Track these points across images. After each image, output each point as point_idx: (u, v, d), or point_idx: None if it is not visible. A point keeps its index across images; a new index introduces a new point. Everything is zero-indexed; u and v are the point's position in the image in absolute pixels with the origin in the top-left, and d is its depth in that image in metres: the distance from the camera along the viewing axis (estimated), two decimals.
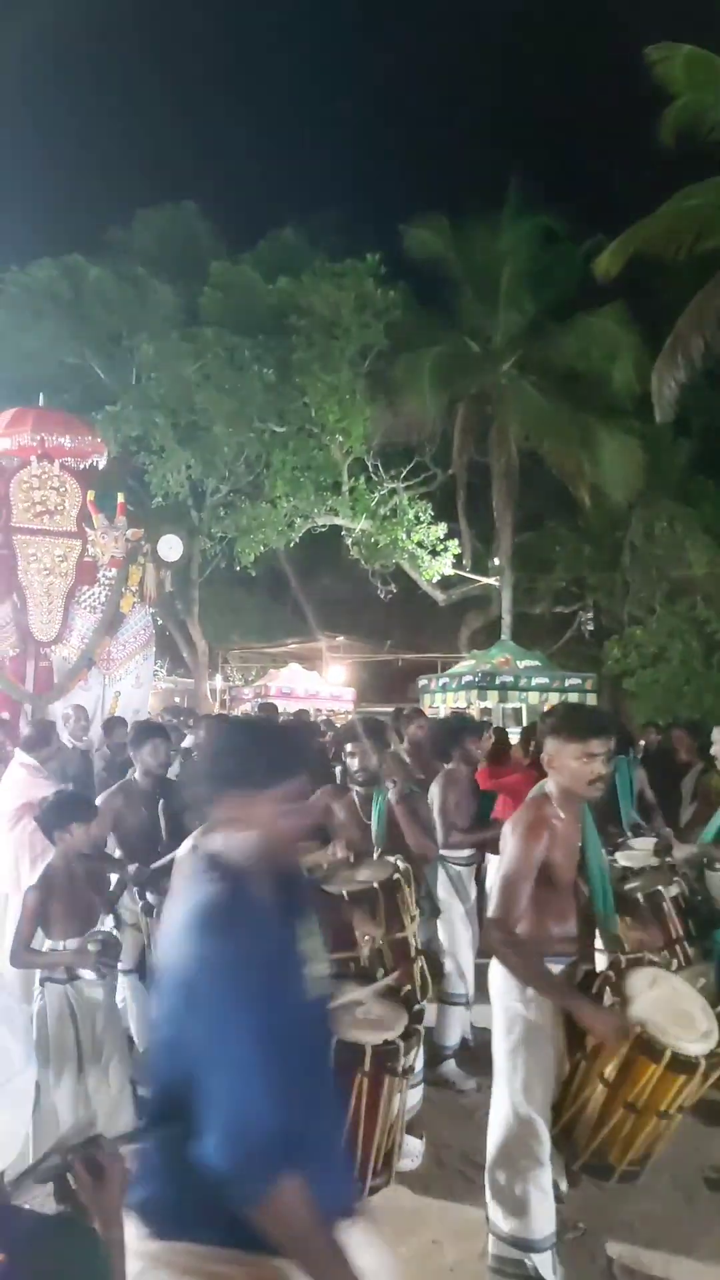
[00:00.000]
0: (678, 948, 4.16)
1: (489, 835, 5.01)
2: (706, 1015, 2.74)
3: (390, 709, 17.83)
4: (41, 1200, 2.50)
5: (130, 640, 10.71)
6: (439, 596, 21.01)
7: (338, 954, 3.07)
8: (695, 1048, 2.64)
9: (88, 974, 3.57)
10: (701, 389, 15.98)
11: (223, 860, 1.77)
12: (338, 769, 5.29)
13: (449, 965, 4.89)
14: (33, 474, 10.23)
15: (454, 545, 19.79)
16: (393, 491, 19.57)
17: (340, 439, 18.56)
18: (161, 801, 4.88)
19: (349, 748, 4.20)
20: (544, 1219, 2.93)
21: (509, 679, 15.20)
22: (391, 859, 3.85)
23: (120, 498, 11.00)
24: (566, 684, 15.41)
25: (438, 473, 20.62)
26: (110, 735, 8.20)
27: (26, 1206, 1.35)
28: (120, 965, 4.11)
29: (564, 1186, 3.11)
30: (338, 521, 19.69)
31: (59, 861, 3.69)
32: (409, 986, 3.01)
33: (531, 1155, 2.91)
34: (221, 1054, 1.59)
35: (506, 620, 19.42)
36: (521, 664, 15.81)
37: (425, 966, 3.81)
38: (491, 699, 15.24)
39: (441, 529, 19.54)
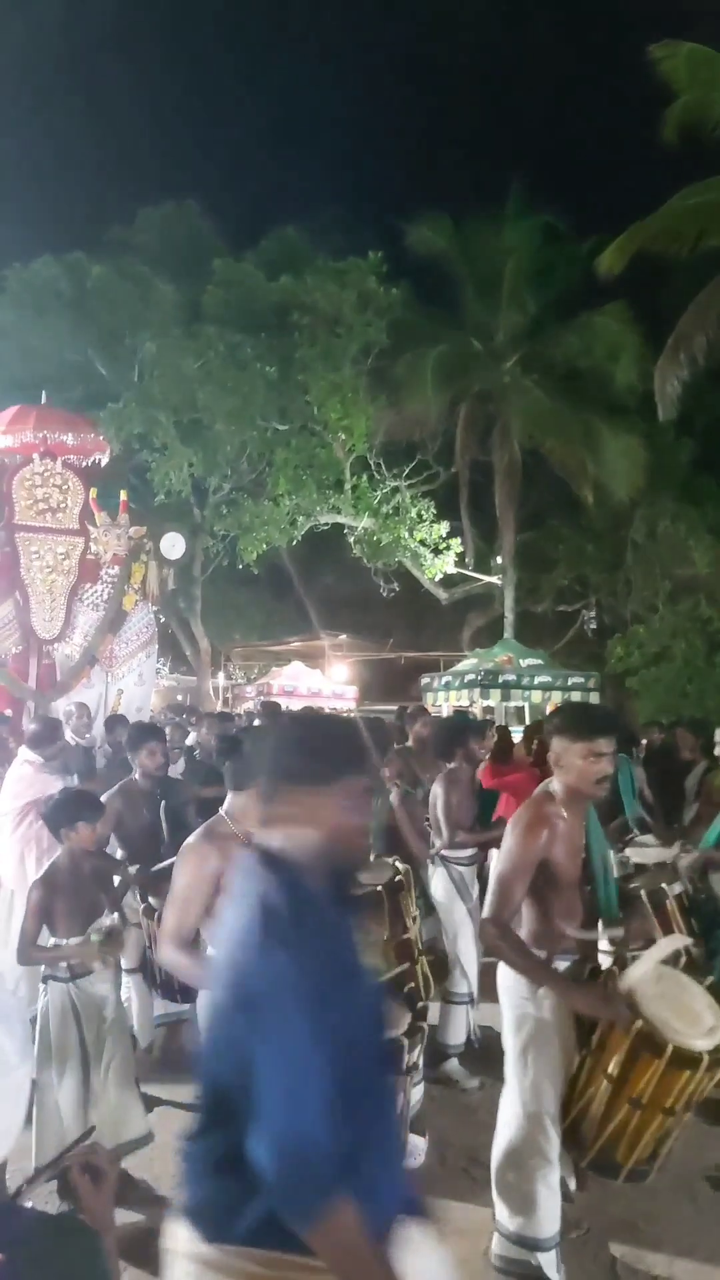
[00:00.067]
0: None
1: (493, 835, 5.01)
2: (713, 1012, 2.74)
3: (392, 707, 17.85)
4: (43, 1200, 2.50)
5: (133, 638, 10.71)
6: (441, 595, 21.01)
7: None
8: (699, 1044, 2.63)
9: (95, 968, 3.56)
10: (704, 387, 15.96)
11: (282, 858, 1.74)
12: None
13: (452, 964, 4.89)
14: (35, 471, 10.23)
15: (456, 543, 19.78)
16: (395, 489, 19.57)
17: (343, 437, 18.55)
18: (163, 801, 4.89)
19: None
20: (550, 1218, 2.93)
21: (511, 677, 15.19)
22: (390, 860, 3.84)
23: (123, 495, 10.99)
24: (569, 683, 15.40)
25: (440, 471, 20.62)
26: (112, 733, 8.21)
27: (27, 1206, 1.34)
28: (124, 964, 4.11)
29: (573, 1185, 3.11)
30: (340, 519, 19.69)
31: (64, 859, 3.69)
32: (412, 984, 3.00)
33: (540, 1154, 2.91)
34: (276, 1066, 1.53)
35: (509, 619, 19.42)
36: (524, 662, 15.79)
37: (426, 966, 3.81)
38: (494, 698, 15.23)
39: (444, 527, 19.53)
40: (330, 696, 20.80)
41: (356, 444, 18.66)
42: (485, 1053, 4.48)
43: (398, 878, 3.65)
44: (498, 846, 4.65)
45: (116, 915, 3.70)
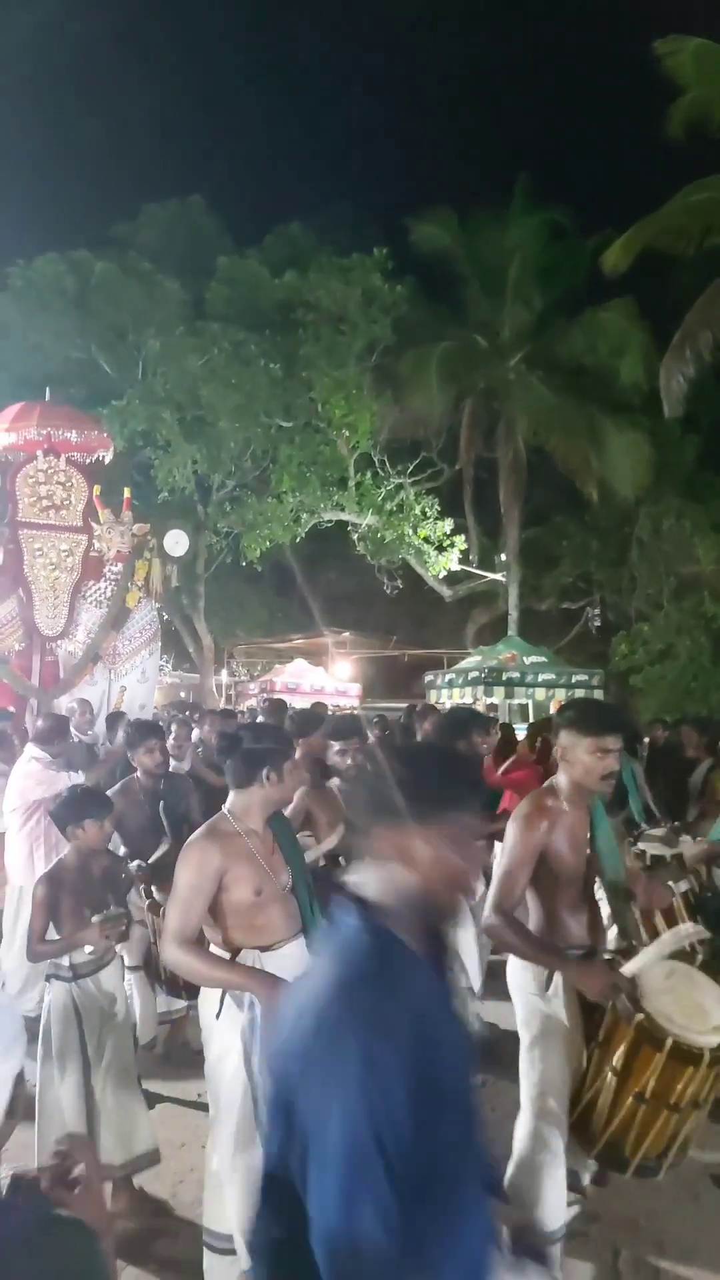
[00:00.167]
0: (686, 945, 4.14)
1: (495, 827, 4.99)
2: None
3: (396, 705, 17.84)
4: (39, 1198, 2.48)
5: (136, 635, 10.71)
6: (445, 592, 20.99)
7: None
8: (701, 1039, 2.62)
9: (97, 955, 3.55)
10: (710, 384, 15.94)
11: (371, 902, 1.57)
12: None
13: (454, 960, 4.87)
14: (39, 469, 10.23)
15: (460, 541, 19.76)
16: (399, 487, 19.55)
17: (347, 434, 18.54)
18: (164, 799, 4.88)
19: (339, 745, 4.12)
20: (555, 1212, 2.92)
21: (515, 675, 15.18)
22: None
23: (126, 493, 10.99)
24: (573, 680, 15.40)
25: (444, 468, 20.61)
26: (112, 730, 8.20)
27: (22, 1203, 1.32)
28: (126, 961, 4.10)
29: (585, 1180, 3.10)
30: (344, 517, 19.68)
31: (72, 857, 3.68)
32: None
33: (547, 1148, 2.91)
34: (334, 1154, 1.35)
35: (513, 616, 19.42)
36: (528, 660, 15.79)
37: None
38: (498, 695, 15.22)
39: (448, 524, 19.52)
40: (333, 694, 20.79)
41: (360, 441, 18.65)
42: (489, 1049, 4.46)
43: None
44: (499, 838, 4.64)
45: (122, 911, 3.68)
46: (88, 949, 3.51)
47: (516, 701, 15.78)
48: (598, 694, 15.17)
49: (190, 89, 42.96)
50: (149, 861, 4.46)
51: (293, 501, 18.86)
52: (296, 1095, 1.42)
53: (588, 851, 3.10)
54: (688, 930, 2.99)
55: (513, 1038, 3.12)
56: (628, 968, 2.76)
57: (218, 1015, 2.82)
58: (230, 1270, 2.78)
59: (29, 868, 5.35)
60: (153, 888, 4.21)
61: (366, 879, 1.60)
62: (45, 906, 3.55)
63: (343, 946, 1.53)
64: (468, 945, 4.93)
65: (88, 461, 10.66)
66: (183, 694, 24.17)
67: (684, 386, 14.56)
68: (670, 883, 4.28)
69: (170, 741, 6.73)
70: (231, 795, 3.03)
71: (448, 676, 16.43)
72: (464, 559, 20.15)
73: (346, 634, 24.98)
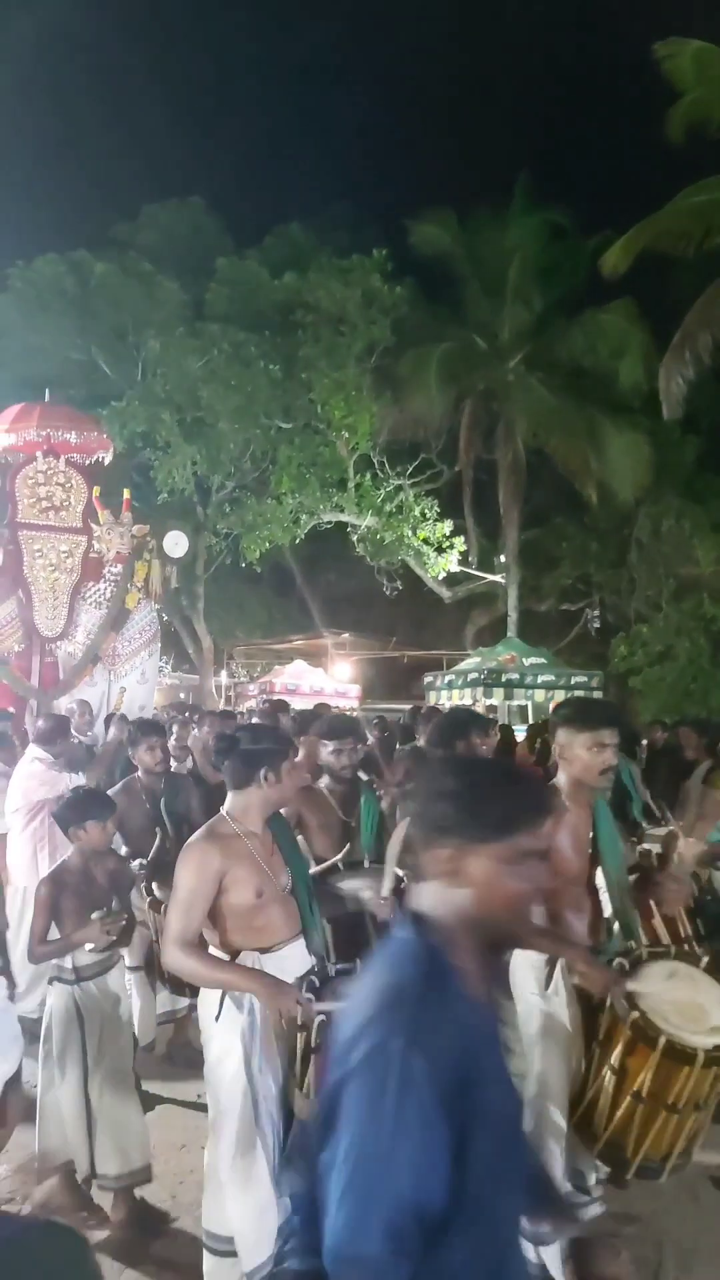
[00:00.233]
0: (686, 947, 4.14)
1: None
2: None
3: (395, 706, 17.83)
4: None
5: (135, 636, 10.71)
6: (445, 593, 20.99)
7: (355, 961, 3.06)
8: (695, 1039, 2.62)
9: (98, 953, 3.54)
10: (709, 386, 15.95)
11: (425, 921, 1.52)
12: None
13: None
14: (38, 470, 10.23)
15: (460, 542, 19.76)
16: (399, 488, 19.55)
17: (346, 435, 18.54)
18: (164, 798, 4.88)
19: (332, 744, 4.09)
20: None
21: (515, 676, 15.18)
22: (397, 871, 3.79)
23: (126, 494, 10.99)
24: (572, 682, 15.39)
25: (444, 469, 20.61)
26: (112, 728, 8.20)
27: (8, 1209, 1.31)
28: (127, 961, 4.10)
29: (592, 1180, 3.10)
30: (343, 518, 19.68)
31: (75, 858, 3.67)
32: None
33: (545, 1148, 2.91)
34: (353, 1168, 1.32)
35: (512, 617, 19.42)
36: (527, 661, 15.79)
37: None
38: (497, 696, 15.22)
39: (447, 525, 19.51)
40: (333, 695, 20.77)
41: (360, 442, 18.66)
42: None
43: (402, 884, 3.63)
44: None
45: (121, 910, 3.67)
46: (89, 947, 3.50)
47: (516, 703, 15.78)
48: (597, 695, 15.16)
49: (190, 90, 42.99)
50: (149, 858, 4.47)
51: (292, 503, 18.85)
52: (333, 1106, 1.39)
53: (589, 850, 3.12)
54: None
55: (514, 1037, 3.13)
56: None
57: (217, 1017, 2.82)
58: (231, 1272, 2.78)
59: (32, 869, 5.35)
60: (153, 885, 4.20)
61: (424, 897, 1.56)
62: (47, 907, 3.54)
63: (391, 962, 1.50)
64: None
65: (87, 463, 10.67)
66: (182, 695, 24.13)
67: (683, 388, 14.56)
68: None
69: (172, 741, 6.74)
70: (230, 796, 3.03)
71: (447, 678, 16.43)
72: (463, 560, 20.15)
73: (346, 635, 24.94)
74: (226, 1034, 2.79)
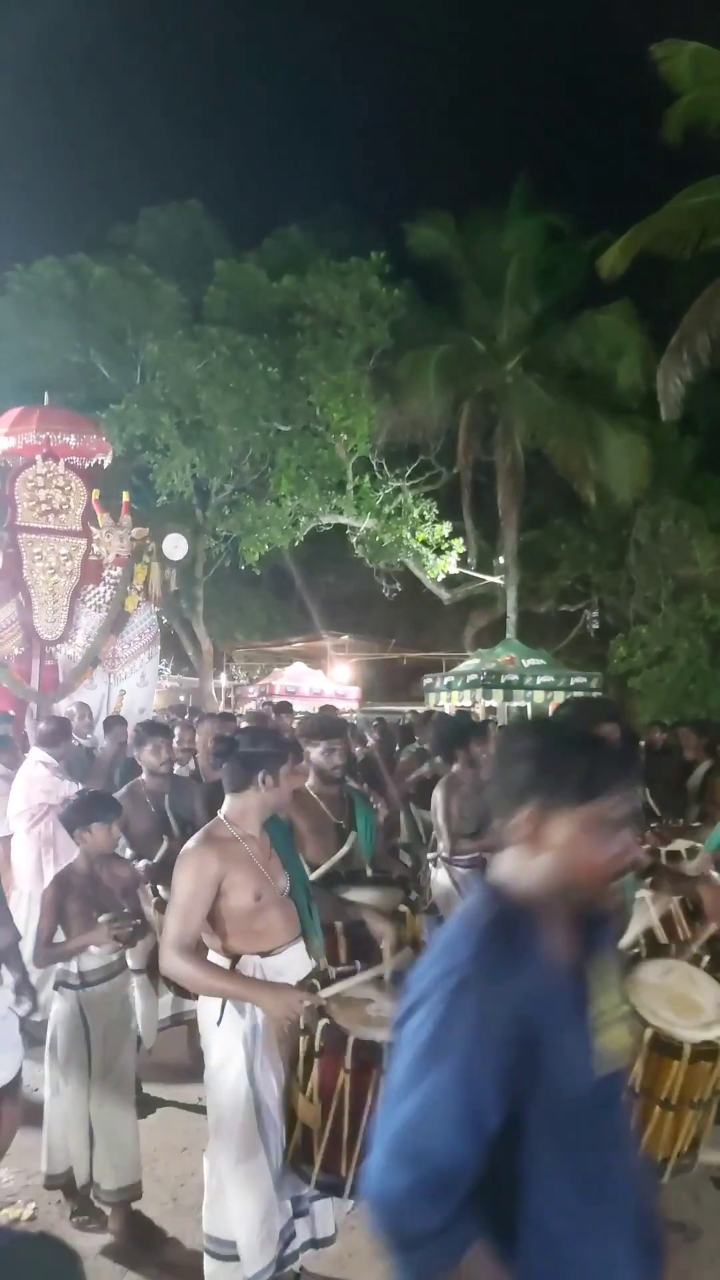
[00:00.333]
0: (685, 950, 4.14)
1: (488, 845, 4.99)
2: (718, 1010, 2.72)
3: (395, 708, 17.81)
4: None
5: (135, 639, 10.70)
6: (444, 595, 21.00)
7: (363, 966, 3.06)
8: (682, 1033, 2.61)
9: (104, 950, 3.53)
10: (707, 386, 15.95)
11: (506, 889, 1.48)
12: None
13: None
14: (38, 473, 10.23)
15: (459, 544, 19.77)
16: (397, 490, 19.56)
17: (345, 437, 18.55)
18: (169, 799, 4.88)
19: (323, 744, 4.07)
20: None
21: (514, 678, 15.17)
22: (399, 892, 3.78)
23: (125, 496, 10.98)
24: (572, 683, 15.39)
25: (442, 471, 20.61)
26: (111, 734, 8.19)
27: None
28: (130, 964, 4.10)
29: None
30: (342, 520, 19.69)
31: (80, 861, 3.66)
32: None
33: None
34: (406, 1113, 1.32)
35: (511, 619, 19.41)
36: (526, 663, 15.78)
37: None
38: (496, 698, 15.21)
39: (446, 527, 19.53)
40: (333, 697, 20.79)
41: (359, 444, 18.67)
42: None
43: (401, 907, 3.62)
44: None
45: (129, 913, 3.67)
46: (94, 949, 3.49)
47: (515, 704, 15.78)
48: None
49: (189, 91, 43.02)
50: (155, 860, 4.47)
51: (291, 505, 18.86)
52: (398, 1064, 1.38)
53: None
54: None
55: None
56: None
57: (219, 1021, 2.81)
58: (232, 1276, 2.77)
59: (37, 874, 5.35)
60: (159, 887, 4.20)
61: (503, 865, 1.51)
62: (53, 910, 3.53)
63: (459, 929, 1.47)
64: None
65: (86, 465, 10.66)
66: (182, 697, 24.13)
67: (681, 389, 14.56)
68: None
69: (175, 744, 6.74)
70: (228, 800, 3.02)
71: (447, 679, 16.43)
72: (462, 562, 20.16)
73: (345, 637, 24.95)
74: (228, 1038, 2.79)
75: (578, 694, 14.79)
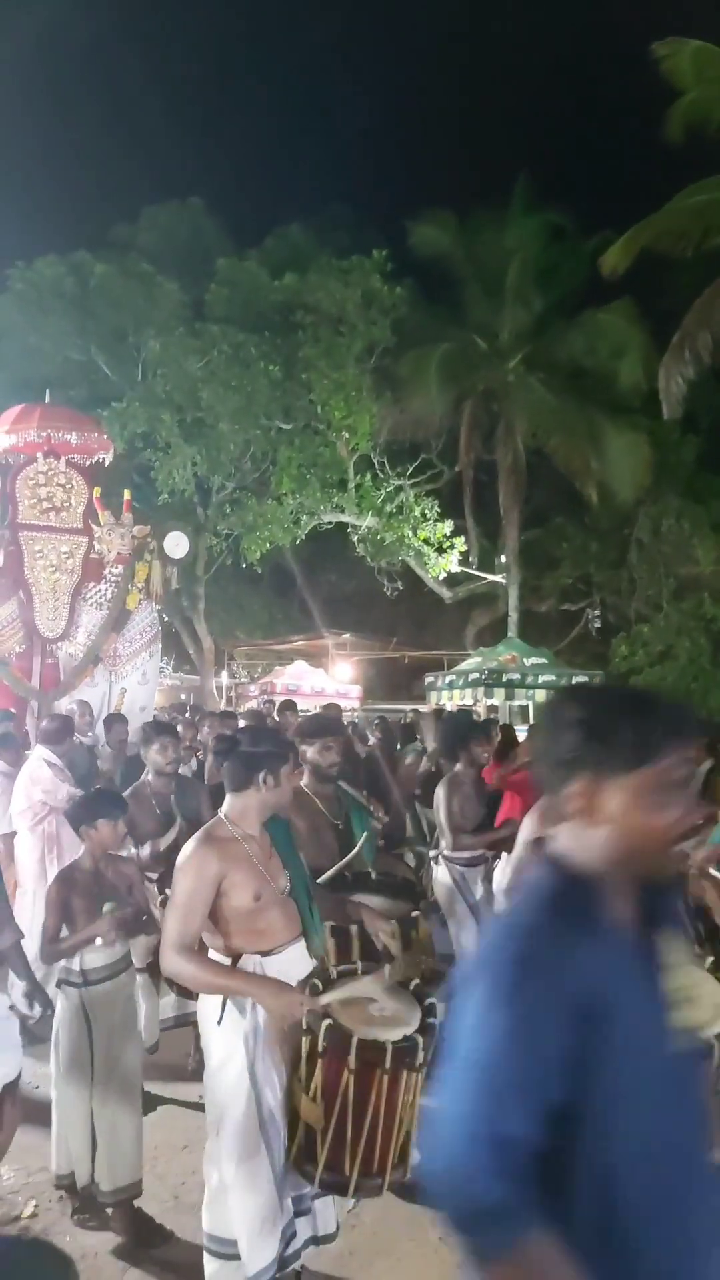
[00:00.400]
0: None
1: (499, 836, 4.99)
2: (715, 1008, 2.72)
3: (396, 706, 17.80)
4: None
5: (136, 637, 10.70)
6: (445, 593, 20.99)
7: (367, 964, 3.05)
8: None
9: (114, 973, 3.53)
10: (709, 385, 15.94)
11: (564, 863, 1.44)
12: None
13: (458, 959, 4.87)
14: (39, 470, 10.23)
15: (460, 542, 19.76)
16: (399, 488, 19.55)
17: (346, 436, 18.54)
18: (174, 796, 4.88)
19: (318, 742, 4.04)
20: None
21: (515, 676, 15.17)
22: (408, 903, 3.77)
23: (126, 494, 10.98)
24: (573, 681, 15.38)
25: (444, 469, 20.60)
26: (111, 732, 8.21)
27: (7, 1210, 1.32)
28: (134, 964, 4.10)
29: None
30: (344, 518, 19.68)
31: (85, 858, 3.66)
32: (418, 980, 2.98)
33: None
34: (466, 1076, 1.30)
35: (513, 617, 19.40)
36: (528, 661, 15.78)
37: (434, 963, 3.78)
38: (498, 696, 15.22)
39: (448, 526, 19.51)
40: (334, 695, 20.80)
41: (360, 443, 18.65)
42: None
43: (414, 913, 3.62)
44: (507, 850, 4.61)
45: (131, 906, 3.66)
46: (99, 942, 3.49)
47: (517, 703, 15.78)
48: None
49: (190, 91, 43.00)
50: (161, 850, 4.47)
51: (292, 503, 18.85)
52: (456, 1032, 1.36)
53: None
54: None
55: None
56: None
57: (219, 1021, 2.81)
58: (233, 1276, 2.77)
59: (41, 873, 5.35)
60: (165, 887, 4.21)
61: (561, 840, 1.47)
62: (58, 906, 3.53)
63: (521, 902, 1.45)
64: (470, 949, 4.92)
65: (88, 463, 10.66)
66: (183, 696, 24.14)
67: (683, 388, 14.55)
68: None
69: None
70: (228, 799, 3.02)
71: (448, 678, 16.43)
72: (464, 560, 20.15)
73: (347, 636, 24.95)
74: (229, 1038, 2.78)
75: None
